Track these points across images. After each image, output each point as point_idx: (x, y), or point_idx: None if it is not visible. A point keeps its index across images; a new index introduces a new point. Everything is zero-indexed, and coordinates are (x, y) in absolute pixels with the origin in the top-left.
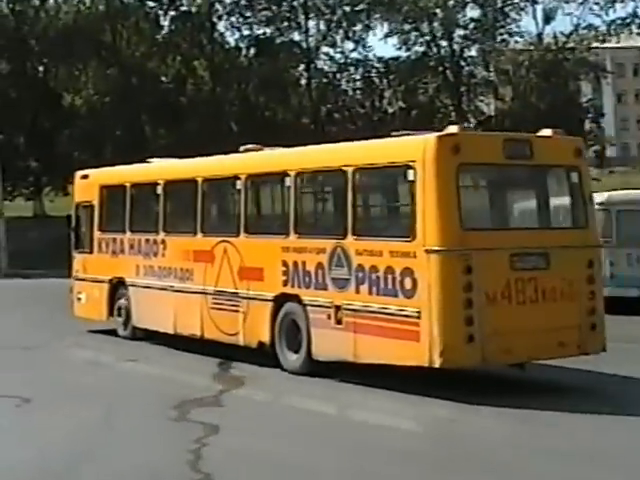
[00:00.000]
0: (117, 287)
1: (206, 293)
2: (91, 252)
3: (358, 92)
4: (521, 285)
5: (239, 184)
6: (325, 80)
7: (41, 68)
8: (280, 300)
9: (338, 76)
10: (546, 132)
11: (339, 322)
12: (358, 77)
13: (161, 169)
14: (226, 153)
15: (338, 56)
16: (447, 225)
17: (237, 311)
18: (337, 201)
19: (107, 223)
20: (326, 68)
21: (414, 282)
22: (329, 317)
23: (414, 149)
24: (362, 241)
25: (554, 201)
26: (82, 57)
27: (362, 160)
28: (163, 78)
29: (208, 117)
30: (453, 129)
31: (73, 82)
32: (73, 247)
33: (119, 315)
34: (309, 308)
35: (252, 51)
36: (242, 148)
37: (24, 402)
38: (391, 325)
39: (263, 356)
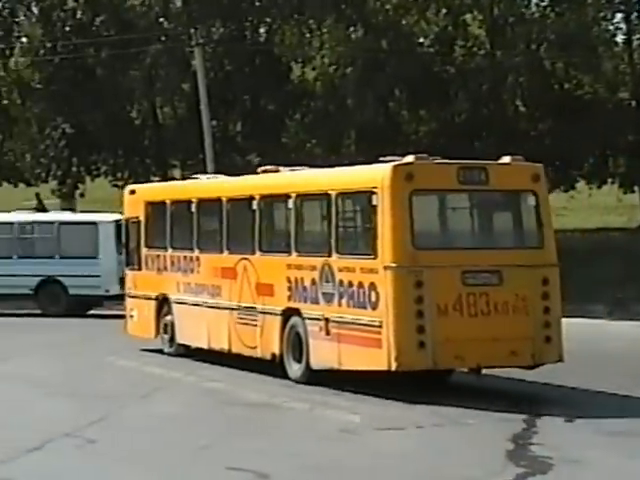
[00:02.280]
0: (162, 304)
1: (232, 309)
2: (140, 269)
3: None
4: (473, 299)
5: (254, 204)
6: None
7: (262, 30)
8: (287, 314)
9: None
10: (505, 159)
11: (328, 333)
12: None
13: (195, 187)
14: (507, 142)
15: None
16: (400, 244)
17: (256, 325)
18: (326, 222)
19: (152, 240)
20: None
21: (377, 295)
22: (321, 329)
23: (376, 177)
24: (343, 259)
25: (509, 223)
26: (315, 13)
27: (343, 185)
28: (422, 39)
29: (484, 93)
30: (409, 159)
31: (303, 48)
32: (124, 263)
33: (165, 332)
34: (307, 321)
35: None
36: (259, 170)
37: (260, 478)
38: (362, 334)
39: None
